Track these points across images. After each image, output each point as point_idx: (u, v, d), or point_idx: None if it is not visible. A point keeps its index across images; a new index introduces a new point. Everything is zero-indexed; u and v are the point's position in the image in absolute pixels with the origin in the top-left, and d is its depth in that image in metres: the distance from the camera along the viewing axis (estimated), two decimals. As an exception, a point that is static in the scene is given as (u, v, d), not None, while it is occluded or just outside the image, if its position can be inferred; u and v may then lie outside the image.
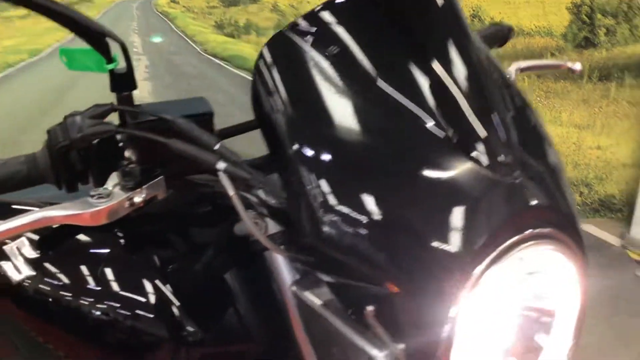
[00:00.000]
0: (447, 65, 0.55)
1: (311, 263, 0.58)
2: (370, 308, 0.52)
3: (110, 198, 0.58)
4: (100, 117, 0.61)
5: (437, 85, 0.54)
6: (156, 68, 11.64)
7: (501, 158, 0.52)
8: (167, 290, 0.68)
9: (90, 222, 0.58)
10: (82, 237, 0.67)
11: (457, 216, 0.49)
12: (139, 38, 15.16)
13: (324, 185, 0.51)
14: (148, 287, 0.68)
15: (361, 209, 0.50)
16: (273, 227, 0.60)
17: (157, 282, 0.69)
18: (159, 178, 0.62)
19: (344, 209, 0.51)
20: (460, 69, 0.55)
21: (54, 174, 0.61)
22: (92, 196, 0.59)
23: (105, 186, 0.60)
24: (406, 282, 0.50)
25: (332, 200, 0.51)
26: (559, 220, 0.52)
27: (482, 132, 0.53)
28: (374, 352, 0.53)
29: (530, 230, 0.50)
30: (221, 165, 0.55)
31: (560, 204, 0.54)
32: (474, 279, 0.48)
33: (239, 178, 0.54)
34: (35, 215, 0.56)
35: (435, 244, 0.49)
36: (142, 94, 7.13)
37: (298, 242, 0.57)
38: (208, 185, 0.72)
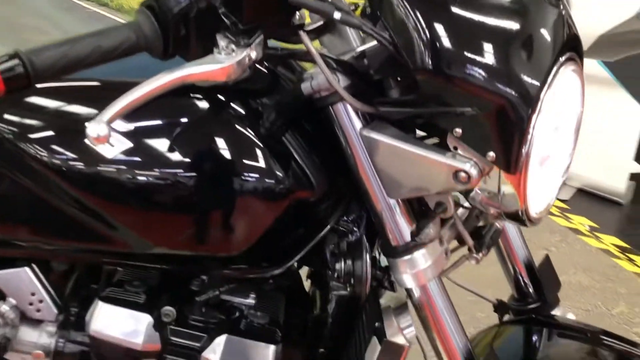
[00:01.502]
0: None
1: (382, 103, 0.66)
2: (457, 130, 0.60)
3: (235, 54, 0.62)
4: None
5: None
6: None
7: None
8: (239, 146, 0.73)
9: (221, 78, 0.61)
10: (161, 103, 0.62)
11: (526, 40, 0.61)
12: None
13: (427, 20, 0.60)
14: (223, 144, 0.73)
15: (457, 40, 0.60)
16: (343, 81, 0.67)
17: (231, 139, 0.73)
18: (261, 36, 0.64)
19: (444, 39, 0.60)
20: None
21: (162, 40, 0.61)
22: (219, 53, 0.61)
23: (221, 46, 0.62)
24: (487, 104, 0.59)
25: (433, 31, 0.60)
26: (579, 46, 0.66)
27: None
28: (459, 164, 0.61)
29: (570, 52, 0.63)
30: (337, 14, 0.60)
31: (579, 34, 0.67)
32: (542, 95, 0.59)
33: (352, 24, 0.62)
34: (172, 75, 0.59)
35: (509, 64, 0.59)
36: None
37: (367, 92, 0.67)
38: (273, 48, 0.74)
